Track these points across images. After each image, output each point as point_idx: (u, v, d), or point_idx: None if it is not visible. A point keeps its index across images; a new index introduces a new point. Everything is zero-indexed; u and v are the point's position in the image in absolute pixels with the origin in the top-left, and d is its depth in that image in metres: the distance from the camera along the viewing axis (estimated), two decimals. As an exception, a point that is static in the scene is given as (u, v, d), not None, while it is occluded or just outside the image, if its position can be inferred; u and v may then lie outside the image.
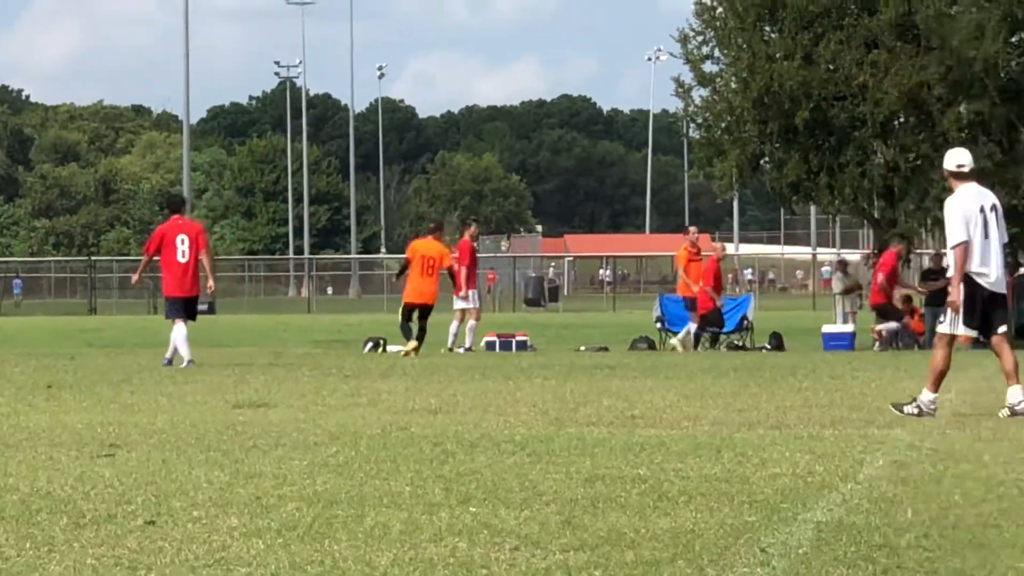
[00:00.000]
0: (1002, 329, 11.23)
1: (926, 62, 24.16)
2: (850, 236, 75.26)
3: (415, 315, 20.74)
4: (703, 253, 24.96)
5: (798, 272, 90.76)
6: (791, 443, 8.69)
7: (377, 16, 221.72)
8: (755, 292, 58.05)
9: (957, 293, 11.00)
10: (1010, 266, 21.00)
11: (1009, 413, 10.67)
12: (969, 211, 10.96)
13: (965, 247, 10.71)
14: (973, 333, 11.35)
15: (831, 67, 24.99)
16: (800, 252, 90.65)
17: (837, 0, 25.43)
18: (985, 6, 24.06)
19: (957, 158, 11.33)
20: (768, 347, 25.18)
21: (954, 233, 10.91)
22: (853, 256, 50.12)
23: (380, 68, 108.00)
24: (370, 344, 23.61)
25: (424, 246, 20.96)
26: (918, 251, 32.63)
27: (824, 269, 68.11)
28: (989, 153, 24.25)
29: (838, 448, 8.37)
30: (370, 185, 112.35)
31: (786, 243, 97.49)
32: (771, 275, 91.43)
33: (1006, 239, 11.70)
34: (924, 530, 5.93)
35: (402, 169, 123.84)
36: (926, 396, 10.82)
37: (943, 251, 30.65)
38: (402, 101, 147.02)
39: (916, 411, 10.72)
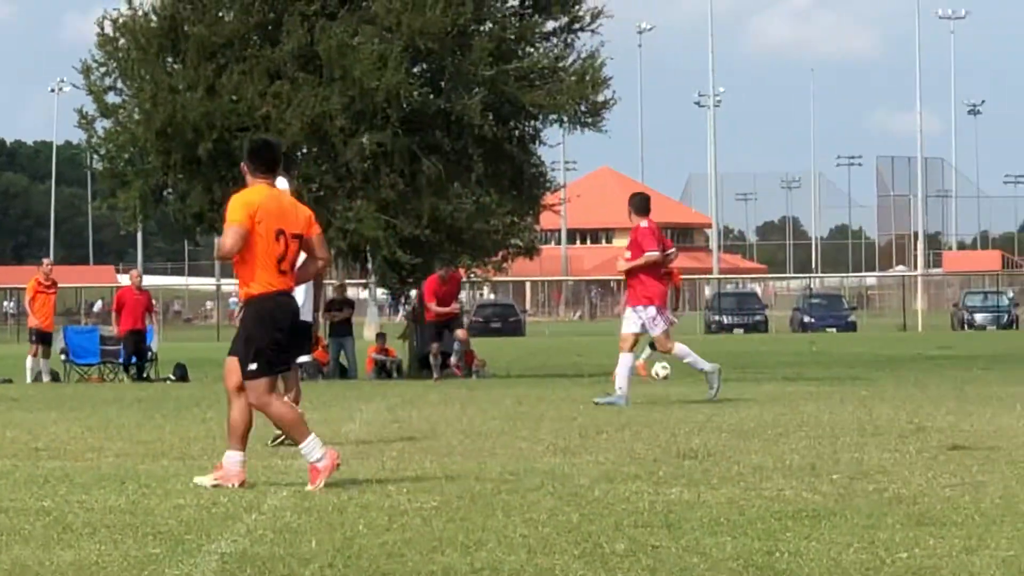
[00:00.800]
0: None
1: (328, 92, 25.21)
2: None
3: None
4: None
5: (208, 303, 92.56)
6: (195, 474, 8.75)
7: None
8: (158, 323, 58.98)
9: None
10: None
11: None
12: None
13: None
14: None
15: (234, 98, 25.64)
16: (205, 283, 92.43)
17: (240, 31, 26.00)
18: (387, 37, 25.41)
19: None
20: (172, 378, 25.86)
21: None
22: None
23: None
24: None
25: None
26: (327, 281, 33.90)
27: (231, 300, 69.69)
28: (392, 184, 25.59)
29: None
30: None
31: (191, 274, 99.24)
32: (176, 306, 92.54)
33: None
34: (328, 560, 6.06)
35: None
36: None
37: (346, 282, 32.27)
38: None
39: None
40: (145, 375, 24.94)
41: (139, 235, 77.05)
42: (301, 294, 11.77)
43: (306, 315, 12.51)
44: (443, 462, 10.06)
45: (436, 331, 24.58)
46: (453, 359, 23.98)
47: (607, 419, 14.22)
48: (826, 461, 9.69)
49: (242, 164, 9.68)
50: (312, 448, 8.82)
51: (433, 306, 24.22)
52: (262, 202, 8.99)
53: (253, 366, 8.91)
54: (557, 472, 9.15)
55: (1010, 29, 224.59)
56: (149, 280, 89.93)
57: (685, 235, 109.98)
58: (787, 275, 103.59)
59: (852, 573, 5.55)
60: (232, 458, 9.06)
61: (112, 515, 7.05)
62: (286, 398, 10.30)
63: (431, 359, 24.12)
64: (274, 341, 9.05)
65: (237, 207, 9.02)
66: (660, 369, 23.12)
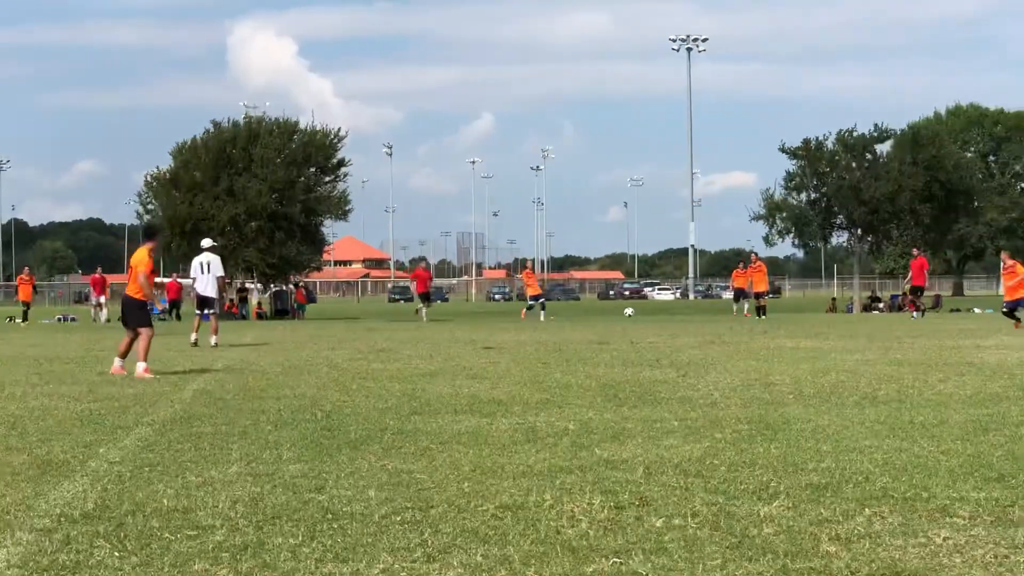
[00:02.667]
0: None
1: (239, 207, 58.54)
2: None
3: None
4: None
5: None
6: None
7: None
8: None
9: None
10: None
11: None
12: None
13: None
14: None
15: (201, 207, 58.14)
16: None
17: (204, 182, 60.22)
18: (262, 183, 59.25)
19: None
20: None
21: None
22: None
23: None
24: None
25: None
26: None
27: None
28: (263, 244, 59.15)
29: None
30: None
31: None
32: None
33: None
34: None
35: None
36: None
37: (246, 282, 68.62)
38: None
39: None
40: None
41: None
42: (211, 288, 28.61)
43: (211, 294, 28.66)
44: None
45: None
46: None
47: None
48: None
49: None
50: (142, 363, 18.35)
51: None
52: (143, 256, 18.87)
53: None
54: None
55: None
56: None
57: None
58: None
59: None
60: (118, 363, 18.67)
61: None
62: (212, 337, 27.45)
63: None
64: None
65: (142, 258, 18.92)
66: None
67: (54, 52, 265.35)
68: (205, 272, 28.51)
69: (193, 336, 28.19)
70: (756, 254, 46.69)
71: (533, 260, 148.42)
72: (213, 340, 27.49)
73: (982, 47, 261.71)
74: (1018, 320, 33.67)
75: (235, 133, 60.61)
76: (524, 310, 50.97)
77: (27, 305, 54.87)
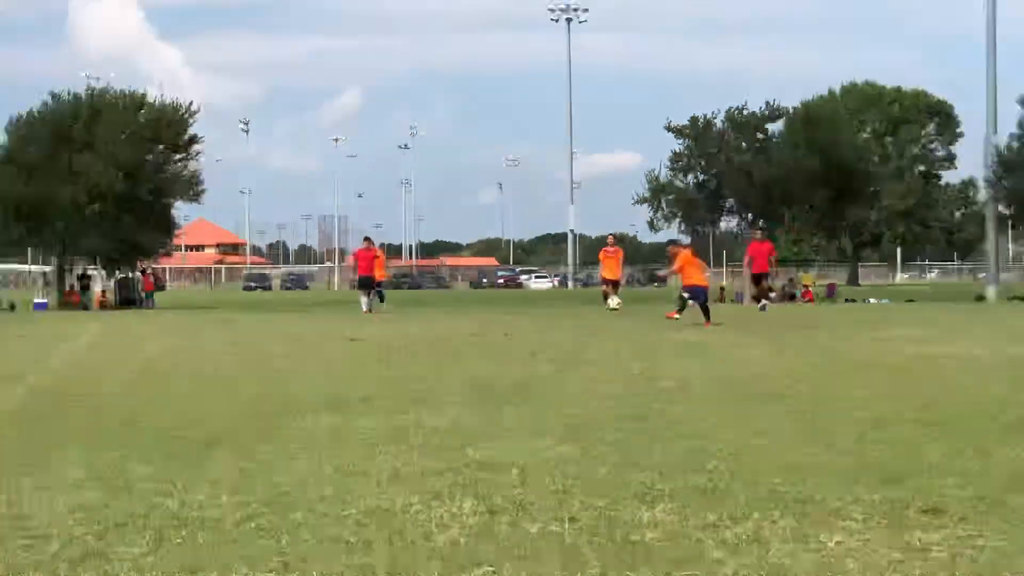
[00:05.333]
0: None
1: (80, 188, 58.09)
2: None
3: None
4: None
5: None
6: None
7: None
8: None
9: None
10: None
11: None
12: None
13: None
14: None
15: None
16: None
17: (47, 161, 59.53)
18: (109, 164, 59.14)
19: None
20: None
21: None
22: None
23: None
24: None
25: None
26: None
27: None
28: (109, 228, 59.28)
29: None
30: None
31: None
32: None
33: None
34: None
35: None
36: None
37: (88, 269, 67.47)
38: None
39: None
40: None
41: None
42: None
43: None
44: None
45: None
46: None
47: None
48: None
49: None
50: None
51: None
52: None
53: None
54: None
55: None
56: None
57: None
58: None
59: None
60: None
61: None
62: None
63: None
64: None
65: None
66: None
67: None
68: None
69: None
70: (613, 236, 42.32)
71: (402, 245, 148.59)
72: None
73: (879, 22, 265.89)
74: None
75: (76, 107, 59.86)
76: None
77: None
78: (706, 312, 31.04)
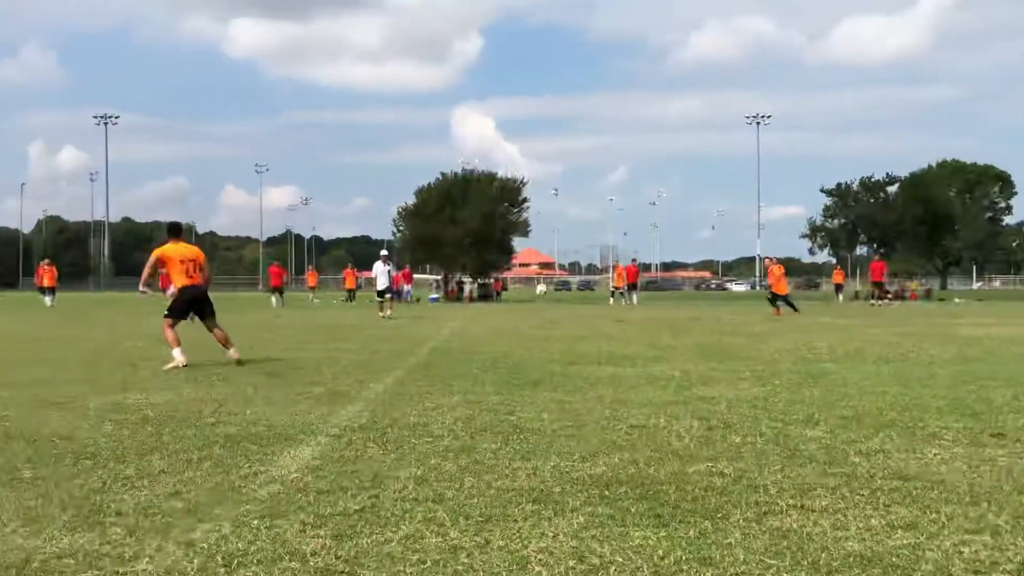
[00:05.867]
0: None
1: None
2: None
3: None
4: None
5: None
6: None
7: None
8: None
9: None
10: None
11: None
12: None
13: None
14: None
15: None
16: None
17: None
18: None
19: None
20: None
21: None
22: None
23: None
24: None
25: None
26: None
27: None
28: None
29: None
30: None
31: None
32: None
33: None
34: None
35: None
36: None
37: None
38: None
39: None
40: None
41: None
42: (385, 281, 28.32)
43: (385, 285, 28.38)
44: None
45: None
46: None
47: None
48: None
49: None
50: (175, 353, 12.24)
51: None
52: (166, 249, 12.68)
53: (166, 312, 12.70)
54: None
55: None
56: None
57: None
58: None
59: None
60: (178, 357, 12.17)
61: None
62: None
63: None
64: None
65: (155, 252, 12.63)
66: None
67: (340, 127, 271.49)
68: (384, 272, 28.90)
69: (386, 312, 28.02)
70: (771, 259, 38.86)
71: (651, 263, 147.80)
72: (388, 313, 27.59)
73: (964, 120, 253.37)
74: None
75: (455, 180, 61.04)
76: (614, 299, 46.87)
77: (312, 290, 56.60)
78: (792, 307, 30.13)
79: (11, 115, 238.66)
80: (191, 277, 12.70)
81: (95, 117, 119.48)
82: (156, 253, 12.69)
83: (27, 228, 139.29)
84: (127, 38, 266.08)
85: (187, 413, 8.25)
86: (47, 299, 36.95)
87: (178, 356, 12.11)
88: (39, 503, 5.11)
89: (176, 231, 12.94)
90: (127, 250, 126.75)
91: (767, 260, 32.94)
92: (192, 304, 12.88)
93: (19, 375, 11.35)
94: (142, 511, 4.93)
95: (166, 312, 12.75)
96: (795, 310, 30.26)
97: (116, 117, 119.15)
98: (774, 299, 30.42)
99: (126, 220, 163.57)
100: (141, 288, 14.13)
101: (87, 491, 5.36)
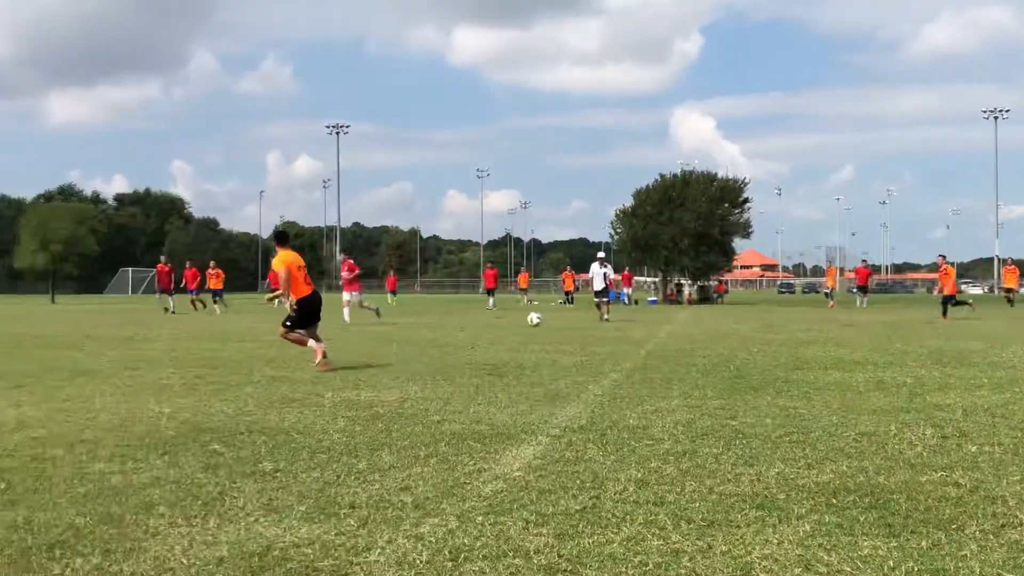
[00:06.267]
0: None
1: None
2: None
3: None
4: None
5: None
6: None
7: None
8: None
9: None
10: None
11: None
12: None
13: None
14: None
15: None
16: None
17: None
18: None
19: None
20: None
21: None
22: None
23: None
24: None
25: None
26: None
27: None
28: None
29: None
30: None
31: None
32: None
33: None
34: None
35: None
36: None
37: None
38: None
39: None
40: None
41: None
42: (601, 283, 28.35)
43: (602, 286, 28.20)
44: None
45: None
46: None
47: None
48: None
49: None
50: (314, 346, 12.21)
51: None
52: (285, 256, 12.26)
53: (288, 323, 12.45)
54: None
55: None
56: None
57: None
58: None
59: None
60: (315, 345, 12.24)
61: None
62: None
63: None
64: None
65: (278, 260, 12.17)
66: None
67: (558, 131, 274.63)
68: (600, 274, 28.61)
69: (604, 313, 28.02)
70: (943, 257, 34.07)
71: (881, 265, 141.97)
72: (607, 316, 27.55)
73: None
74: None
75: (674, 181, 60.49)
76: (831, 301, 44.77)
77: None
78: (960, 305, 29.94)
79: (252, 126, 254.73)
80: (309, 285, 12.45)
81: (327, 127, 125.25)
82: (283, 264, 12.12)
83: (265, 234, 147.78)
84: (358, 49, 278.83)
85: (414, 410, 8.57)
86: (217, 307, 37.18)
87: (315, 345, 12.06)
88: (279, 494, 5.41)
89: (284, 239, 12.64)
90: (357, 253, 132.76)
91: (1010, 264, 31.06)
92: (315, 314, 12.54)
93: (255, 374, 12.06)
94: (374, 504, 5.17)
95: (287, 323, 12.32)
96: (943, 315, 28.84)
97: (347, 126, 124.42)
98: (946, 302, 29.34)
99: (356, 225, 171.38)
100: (280, 299, 12.82)
101: (322, 483, 5.66)
